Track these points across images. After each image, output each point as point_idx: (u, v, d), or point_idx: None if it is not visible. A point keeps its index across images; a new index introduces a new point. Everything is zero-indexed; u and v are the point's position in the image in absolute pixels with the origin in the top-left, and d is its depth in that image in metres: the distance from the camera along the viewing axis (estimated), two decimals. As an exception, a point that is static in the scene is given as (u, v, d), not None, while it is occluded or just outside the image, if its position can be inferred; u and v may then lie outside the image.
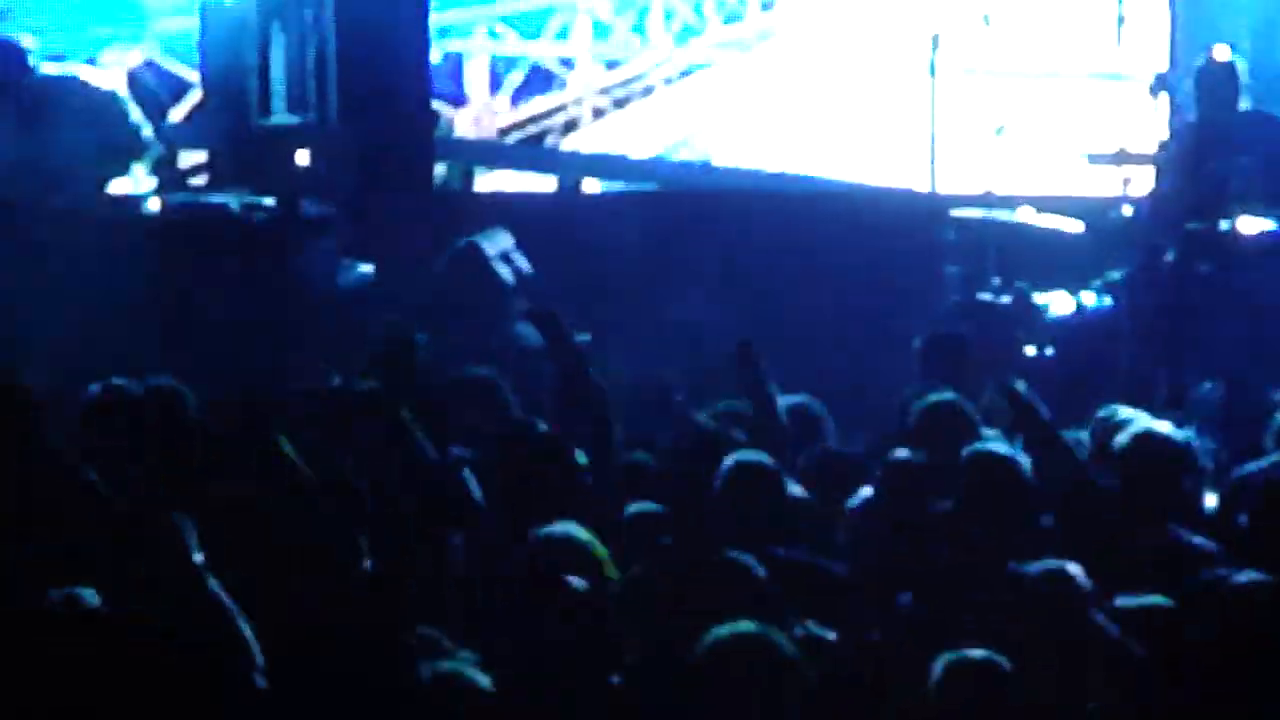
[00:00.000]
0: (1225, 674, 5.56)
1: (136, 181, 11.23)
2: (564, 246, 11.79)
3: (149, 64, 13.62)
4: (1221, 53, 10.77)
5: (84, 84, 11.23)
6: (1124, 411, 7.59)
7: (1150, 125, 11.18)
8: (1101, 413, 7.65)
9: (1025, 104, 12.93)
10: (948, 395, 7.61)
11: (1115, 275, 10.56)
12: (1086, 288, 10.73)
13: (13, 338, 9.32)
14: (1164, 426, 7.20)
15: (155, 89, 12.33)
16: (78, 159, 10.76)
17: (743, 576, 5.90)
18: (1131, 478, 6.90)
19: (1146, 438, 7.03)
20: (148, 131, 11.22)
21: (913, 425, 7.48)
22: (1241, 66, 10.75)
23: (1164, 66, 11.76)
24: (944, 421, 7.41)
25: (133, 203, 11.21)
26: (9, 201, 10.64)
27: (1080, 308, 10.71)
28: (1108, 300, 10.58)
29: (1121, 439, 7.04)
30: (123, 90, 11.35)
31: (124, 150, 11.02)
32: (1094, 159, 11.19)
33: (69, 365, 8.45)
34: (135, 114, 11.20)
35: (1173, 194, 10.56)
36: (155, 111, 11.86)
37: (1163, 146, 10.88)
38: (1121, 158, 11.04)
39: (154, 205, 11.23)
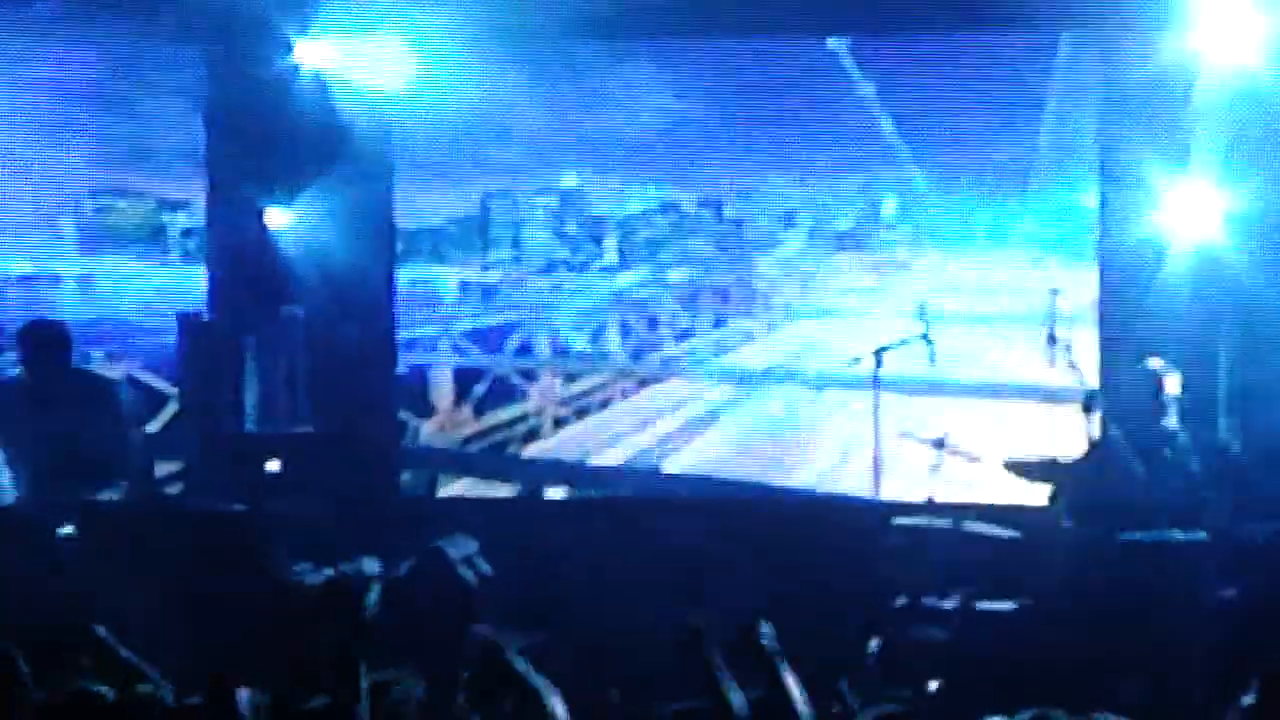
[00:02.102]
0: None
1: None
2: (525, 552, 12.15)
3: (129, 378, 14.04)
4: (1154, 364, 11.33)
5: (102, 382, 11.67)
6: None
7: (1081, 440, 11.66)
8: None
9: (964, 418, 13.41)
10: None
11: (1045, 582, 10.95)
12: (1023, 594, 11.09)
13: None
14: None
15: (135, 402, 12.75)
16: (89, 456, 11.15)
17: None
18: None
19: None
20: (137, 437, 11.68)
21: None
22: (1172, 380, 11.28)
23: (1094, 385, 12.31)
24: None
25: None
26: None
27: (1020, 613, 11.05)
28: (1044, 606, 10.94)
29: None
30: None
31: (126, 457, 11.42)
32: (1026, 470, 11.65)
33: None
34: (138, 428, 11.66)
35: (1097, 503, 11.05)
36: (136, 423, 12.26)
37: (1086, 456, 11.36)
38: (1051, 468, 11.51)
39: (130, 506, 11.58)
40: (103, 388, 11.73)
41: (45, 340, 11.45)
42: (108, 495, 11.39)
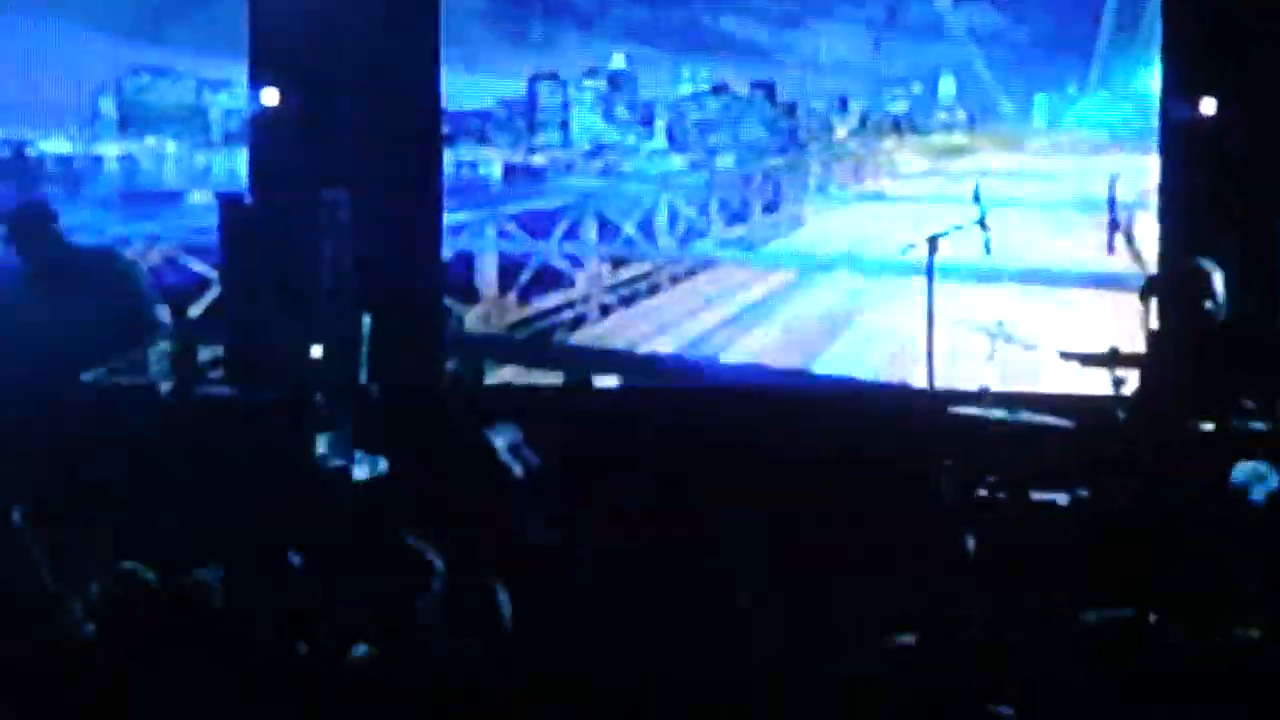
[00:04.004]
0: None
1: (150, 367, 11.36)
2: (572, 440, 12.00)
3: (169, 260, 13.89)
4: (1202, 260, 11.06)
5: (107, 255, 11.34)
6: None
7: (1141, 328, 11.41)
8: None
9: (1021, 306, 13.21)
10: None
11: (1108, 472, 10.74)
12: (1081, 484, 10.89)
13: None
14: None
15: (175, 284, 12.59)
16: (99, 334, 10.84)
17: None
18: None
19: None
20: (164, 315, 11.35)
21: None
22: (1218, 276, 11.00)
23: (1154, 270, 12.06)
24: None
25: (150, 390, 11.35)
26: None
27: (1075, 504, 10.86)
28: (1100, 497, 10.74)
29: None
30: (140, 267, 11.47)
31: (142, 330, 11.10)
32: (1086, 359, 11.41)
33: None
34: (151, 294, 11.32)
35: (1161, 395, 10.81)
36: (174, 307, 12.06)
37: (1151, 348, 11.12)
38: (1113, 359, 11.26)
39: (170, 393, 11.36)
40: (109, 263, 11.38)
41: (33, 219, 11.12)
42: (129, 376, 11.13)
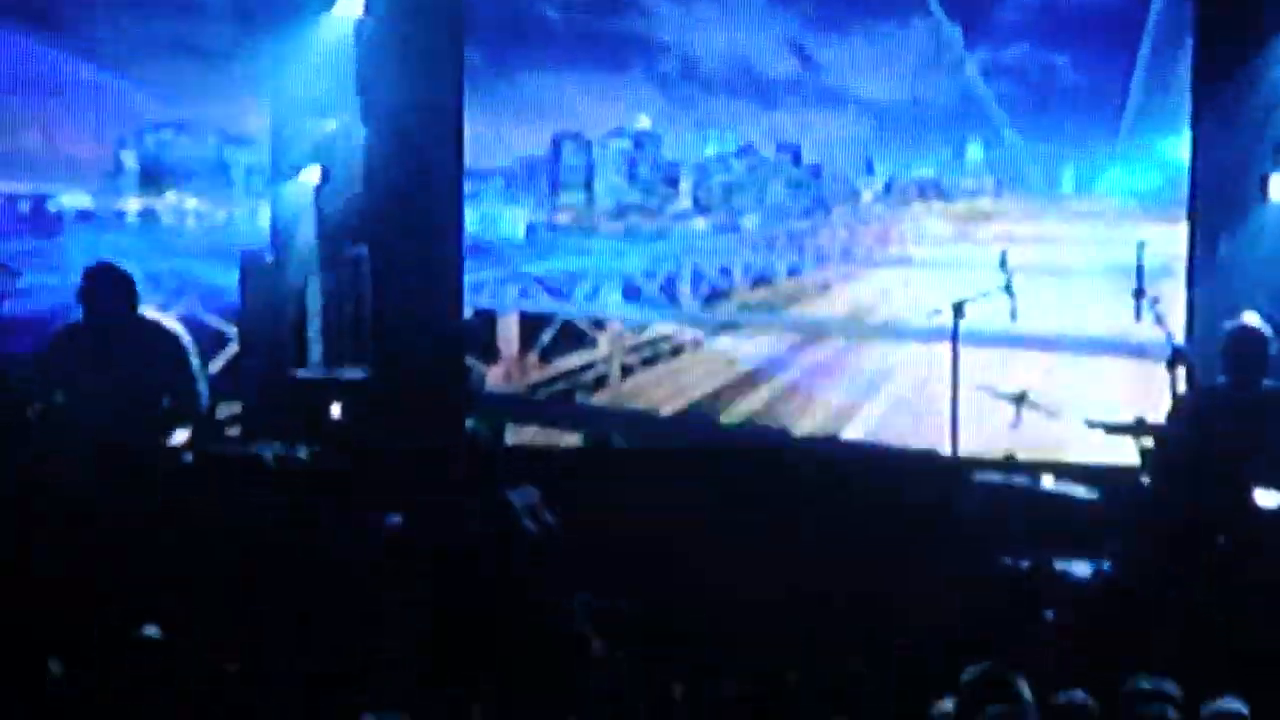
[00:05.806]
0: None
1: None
2: (591, 502, 11.91)
3: (188, 316, 13.83)
4: (1252, 319, 10.94)
5: (169, 337, 11.25)
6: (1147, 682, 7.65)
7: (1167, 397, 11.30)
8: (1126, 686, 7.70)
9: (1046, 373, 13.10)
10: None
11: (1131, 544, 10.63)
12: (1103, 555, 10.77)
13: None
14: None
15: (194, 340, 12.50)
16: (143, 409, 10.78)
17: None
18: None
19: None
20: (204, 403, 11.24)
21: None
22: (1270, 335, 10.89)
23: (1181, 340, 11.95)
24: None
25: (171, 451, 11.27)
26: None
27: (1099, 575, 10.75)
28: (1125, 569, 10.63)
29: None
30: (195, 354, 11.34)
31: (185, 419, 11.02)
32: (1111, 429, 11.30)
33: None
34: (202, 382, 11.23)
35: (1187, 462, 10.68)
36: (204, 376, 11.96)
37: (1175, 413, 11.01)
38: (1138, 428, 11.16)
39: (191, 453, 11.26)
40: (172, 338, 11.31)
41: (112, 283, 11.03)
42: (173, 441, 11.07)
